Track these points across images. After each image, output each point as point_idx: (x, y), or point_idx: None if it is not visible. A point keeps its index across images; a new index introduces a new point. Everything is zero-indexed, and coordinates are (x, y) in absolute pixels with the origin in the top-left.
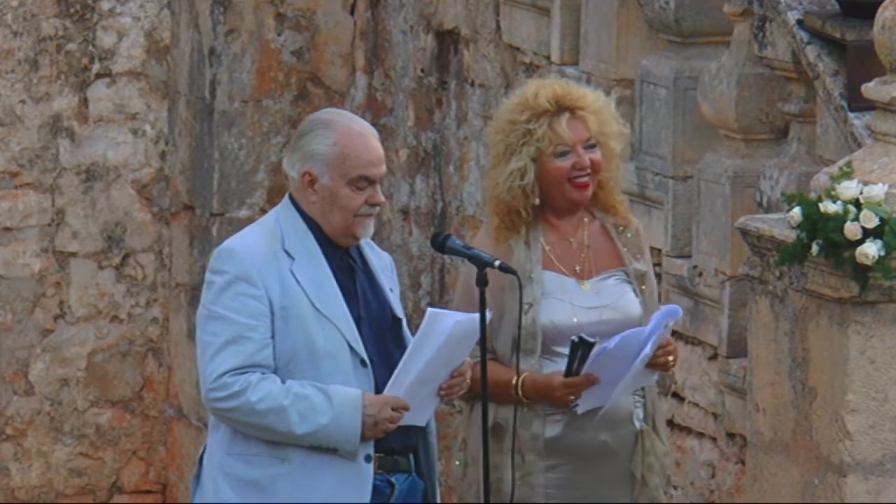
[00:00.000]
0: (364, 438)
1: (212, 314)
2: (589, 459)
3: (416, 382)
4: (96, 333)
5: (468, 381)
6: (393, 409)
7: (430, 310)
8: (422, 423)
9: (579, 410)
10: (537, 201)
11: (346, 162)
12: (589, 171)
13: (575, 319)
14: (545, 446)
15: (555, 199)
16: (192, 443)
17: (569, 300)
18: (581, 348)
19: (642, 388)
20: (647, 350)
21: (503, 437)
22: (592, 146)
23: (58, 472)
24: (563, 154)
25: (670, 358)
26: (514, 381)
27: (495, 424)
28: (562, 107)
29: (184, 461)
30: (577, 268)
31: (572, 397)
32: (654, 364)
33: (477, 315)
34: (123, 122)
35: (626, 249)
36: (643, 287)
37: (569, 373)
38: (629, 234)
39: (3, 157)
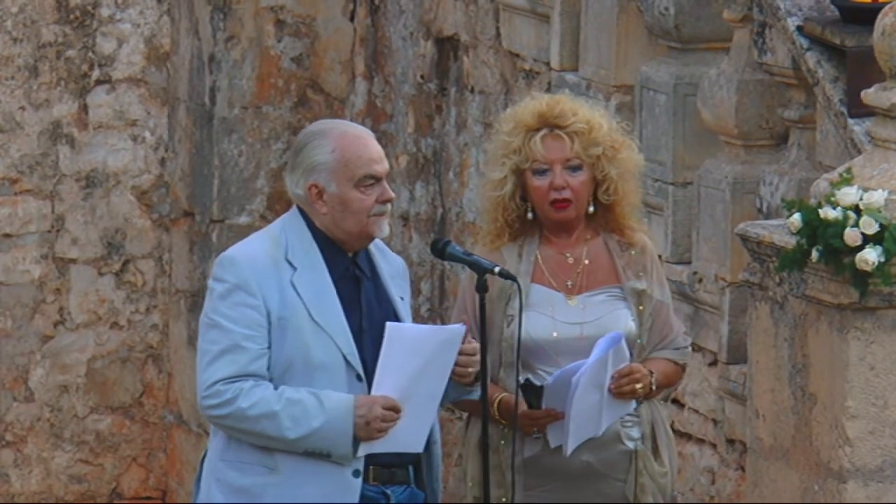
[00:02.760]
0: (357, 440)
1: (210, 322)
2: (572, 480)
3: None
4: (96, 340)
5: (477, 360)
6: (384, 408)
7: (388, 324)
8: (418, 449)
9: (551, 444)
10: (530, 215)
11: (348, 165)
12: (566, 192)
13: (554, 334)
14: (524, 465)
15: (542, 215)
16: (192, 449)
17: (551, 314)
18: (530, 390)
19: (635, 409)
20: (581, 378)
21: (488, 453)
22: (576, 168)
23: (58, 478)
24: (541, 172)
25: (637, 385)
26: (493, 401)
27: (481, 441)
28: (543, 123)
29: (184, 467)
30: (569, 283)
31: (534, 429)
32: (618, 393)
33: (449, 326)
34: (123, 128)
35: (625, 267)
36: (641, 307)
37: (530, 406)
38: (633, 252)
39: (2, 163)
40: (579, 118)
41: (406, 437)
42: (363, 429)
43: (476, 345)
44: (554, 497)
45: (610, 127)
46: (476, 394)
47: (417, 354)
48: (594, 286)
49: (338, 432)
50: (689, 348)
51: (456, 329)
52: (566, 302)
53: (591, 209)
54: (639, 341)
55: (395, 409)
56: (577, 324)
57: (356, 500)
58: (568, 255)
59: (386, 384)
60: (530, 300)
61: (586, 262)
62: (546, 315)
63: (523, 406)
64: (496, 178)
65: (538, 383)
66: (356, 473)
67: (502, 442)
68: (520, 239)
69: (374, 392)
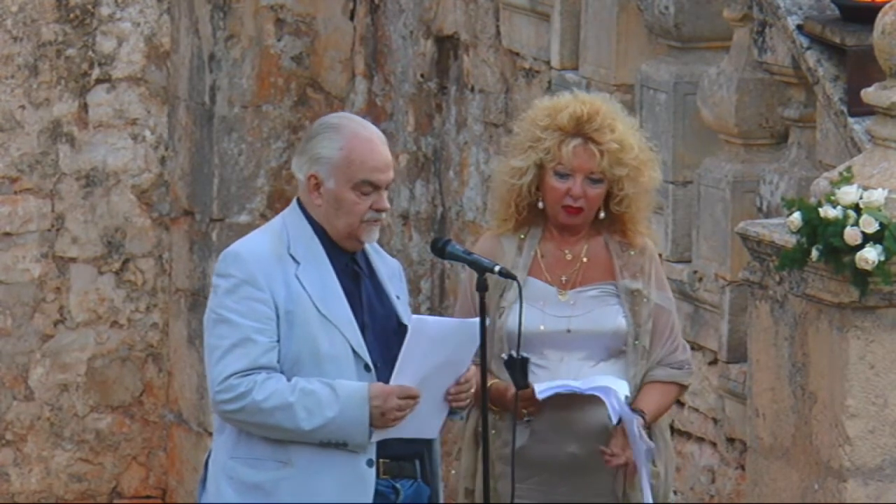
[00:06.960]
0: (374, 428)
1: (218, 317)
2: (560, 473)
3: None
4: (96, 339)
5: (473, 387)
6: (400, 398)
7: (413, 317)
8: (432, 436)
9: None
10: (540, 205)
11: (351, 166)
12: (581, 202)
13: (542, 327)
14: (511, 456)
15: (551, 214)
16: (192, 448)
17: (540, 307)
18: (516, 365)
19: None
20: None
21: (487, 446)
22: (597, 181)
23: (58, 477)
24: (562, 175)
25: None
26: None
27: (476, 433)
28: (578, 131)
29: (183, 466)
30: (564, 278)
31: (525, 411)
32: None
33: (470, 320)
34: (123, 127)
35: (623, 267)
36: (637, 307)
37: (517, 387)
38: (632, 252)
39: (2, 162)
40: (615, 136)
41: (421, 424)
42: (379, 419)
43: (473, 370)
44: (541, 490)
45: (639, 147)
46: (460, 416)
47: (439, 346)
48: (588, 282)
49: (353, 421)
50: (692, 366)
51: (476, 323)
52: (557, 296)
53: (602, 215)
54: (636, 342)
55: (412, 397)
56: (565, 317)
57: (370, 490)
58: (567, 251)
59: (406, 374)
60: (523, 293)
61: (584, 259)
62: (536, 308)
63: (510, 390)
64: (519, 166)
65: (517, 357)
66: (370, 463)
67: (493, 432)
68: (523, 229)
69: (393, 381)
